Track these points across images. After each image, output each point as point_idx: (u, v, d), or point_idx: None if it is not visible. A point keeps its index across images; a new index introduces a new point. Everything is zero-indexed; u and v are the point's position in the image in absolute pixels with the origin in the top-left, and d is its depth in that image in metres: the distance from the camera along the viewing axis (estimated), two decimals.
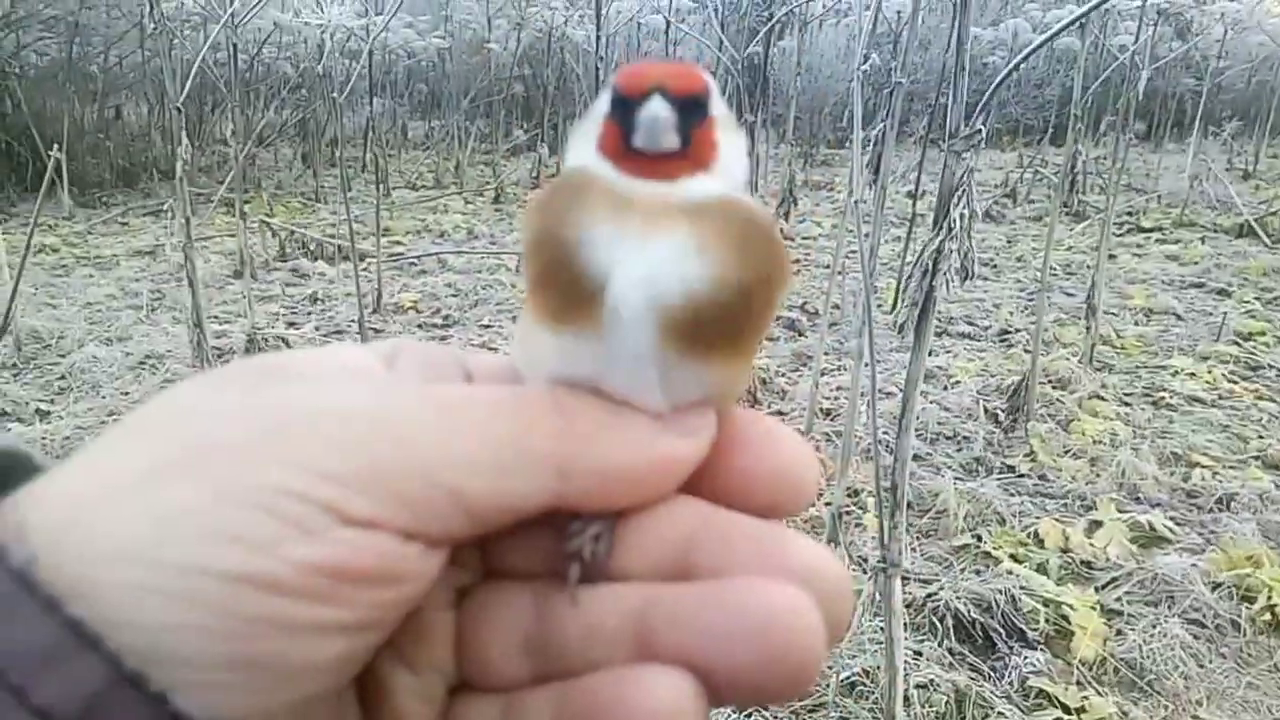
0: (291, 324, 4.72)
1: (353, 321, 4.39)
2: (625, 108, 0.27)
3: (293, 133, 9.87)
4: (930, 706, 2.18)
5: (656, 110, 0.27)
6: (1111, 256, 5.73)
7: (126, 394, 3.85)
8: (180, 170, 3.45)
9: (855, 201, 2.49)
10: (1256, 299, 5.34)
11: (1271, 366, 4.32)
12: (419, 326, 4.67)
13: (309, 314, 4.90)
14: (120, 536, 0.21)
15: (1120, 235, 6.94)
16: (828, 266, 4.02)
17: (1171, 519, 2.98)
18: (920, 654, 2.32)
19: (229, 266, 5.63)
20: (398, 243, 6.45)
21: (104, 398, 3.81)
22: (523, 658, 0.27)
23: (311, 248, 5.83)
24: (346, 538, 0.23)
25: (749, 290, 0.27)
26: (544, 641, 0.26)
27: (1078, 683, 2.31)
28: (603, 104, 0.29)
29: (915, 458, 3.24)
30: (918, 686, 2.20)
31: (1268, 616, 2.55)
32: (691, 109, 0.27)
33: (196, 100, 8.43)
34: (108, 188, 8.10)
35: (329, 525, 0.22)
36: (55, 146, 3.65)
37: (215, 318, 4.71)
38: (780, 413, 3.72)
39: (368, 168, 8.69)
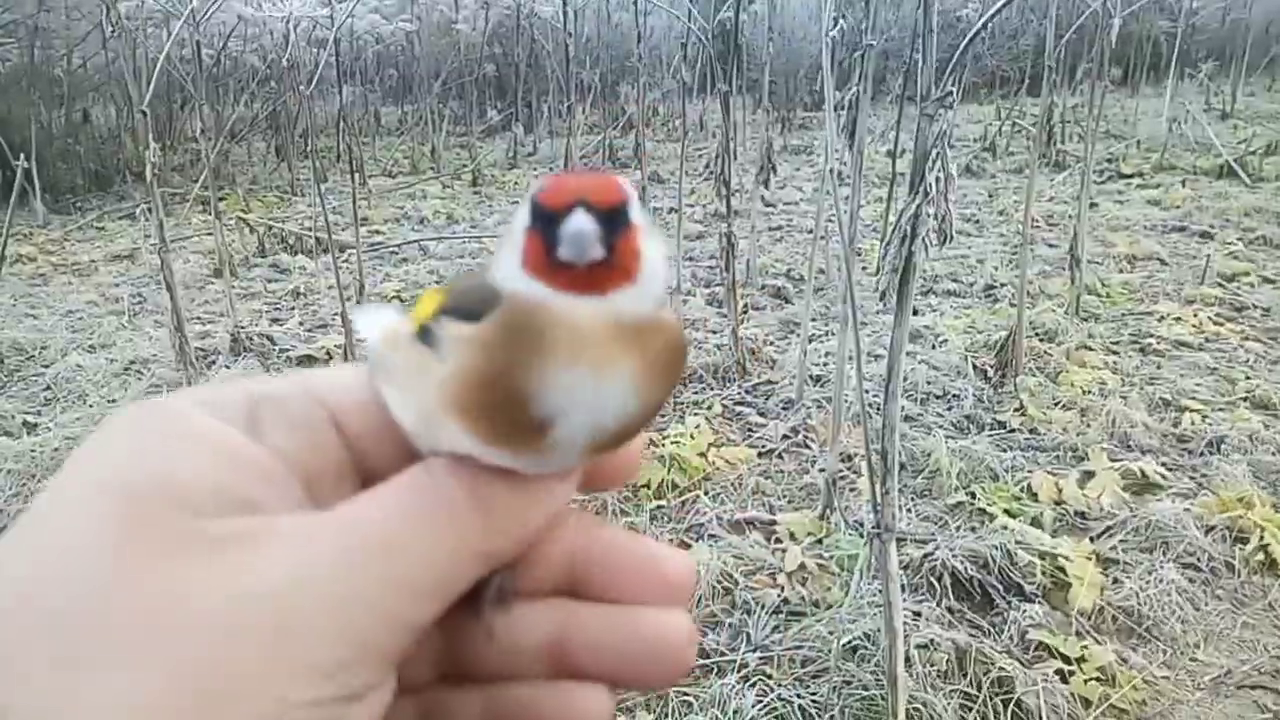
0: (275, 320, 4.69)
1: (336, 315, 4.36)
2: (548, 220, 0.28)
3: (264, 126, 9.74)
4: (932, 665, 2.20)
5: (580, 223, 0.27)
6: (1093, 205, 5.73)
7: (113, 401, 3.82)
8: (150, 173, 3.41)
9: (830, 170, 2.47)
10: (1239, 239, 5.35)
11: (1256, 306, 4.34)
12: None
13: (292, 309, 4.87)
14: None
15: (1101, 183, 6.94)
16: (810, 232, 4.01)
17: (1163, 465, 3.00)
18: (920, 614, 2.34)
19: (208, 266, 5.58)
20: (377, 232, 6.40)
21: (90, 406, 3.78)
22: (434, 668, 0.30)
23: (290, 242, 5.78)
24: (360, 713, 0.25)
25: (663, 403, 0.30)
26: (459, 658, 0.30)
27: (1077, 633, 2.34)
28: (522, 216, 0.29)
29: (906, 419, 3.25)
30: (918, 646, 2.22)
31: (1260, 557, 2.58)
32: (614, 220, 0.28)
33: (165, 98, 8.30)
34: (81, 192, 8.00)
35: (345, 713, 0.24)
36: (23, 155, 3.59)
37: (198, 319, 4.68)
38: (770, 382, 3.72)
39: (342, 157, 8.60)
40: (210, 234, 5.51)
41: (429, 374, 0.28)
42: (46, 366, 4.20)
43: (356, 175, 5.68)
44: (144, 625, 0.22)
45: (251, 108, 9.40)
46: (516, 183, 8.27)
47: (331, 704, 0.23)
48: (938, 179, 1.50)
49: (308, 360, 4.07)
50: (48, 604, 0.22)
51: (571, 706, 0.29)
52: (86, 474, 0.25)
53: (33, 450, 3.38)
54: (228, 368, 3.92)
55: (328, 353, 4.05)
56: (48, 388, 4.00)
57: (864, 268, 5.05)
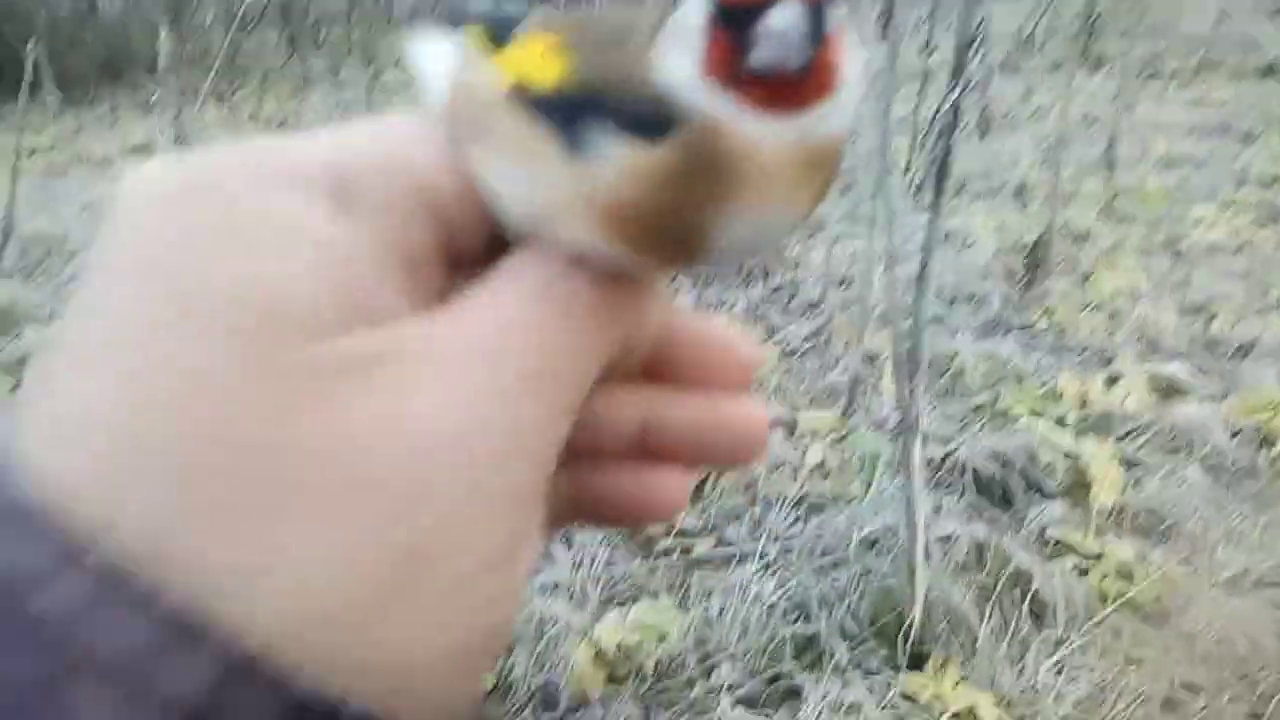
0: None
1: None
2: (740, 18, 0.23)
3: (276, 15, 9.47)
4: (950, 558, 2.23)
5: (791, 19, 0.22)
6: (1131, 105, 5.53)
7: None
8: (163, 63, 3.33)
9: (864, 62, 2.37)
10: None
11: None
12: None
13: None
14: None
15: (1140, 82, 6.68)
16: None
17: (1191, 369, 2.98)
18: (940, 510, 2.37)
19: None
20: None
21: None
22: None
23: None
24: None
25: None
26: None
27: (1096, 530, 2.36)
28: (695, 9, 0.24)
29: (932, 320, 3.22)
30: (938, 540, 2.25)
31: None
32: (819, 19, 0.23)
33: None
34: (92, 83, 7.86)
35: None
36: (32, 40, 3.51)
37: None
38: (794, 282, 3.68)
39: (355, 49, 8.37)
40: (225, 127, 5.43)
41: (556, 168, 0.24)
42: (69, 259, 4.20)
43: (370, 66, 5.54)
44: (322, 475, 0.20)
45: None
46: None
47: (513, 548, 0.23)
48: (979, 67, 1.43)
49: None
50: (195, 450, 0.19)
51: (654, 487, 0.28)
52: (161, 284, 0.20)
53: None
54: None
55: None
56: (71, 279, 4.01)
57: (892, 168, 4.93)
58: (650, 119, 0.23)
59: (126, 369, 0.19)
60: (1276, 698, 1.97)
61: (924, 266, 1.88)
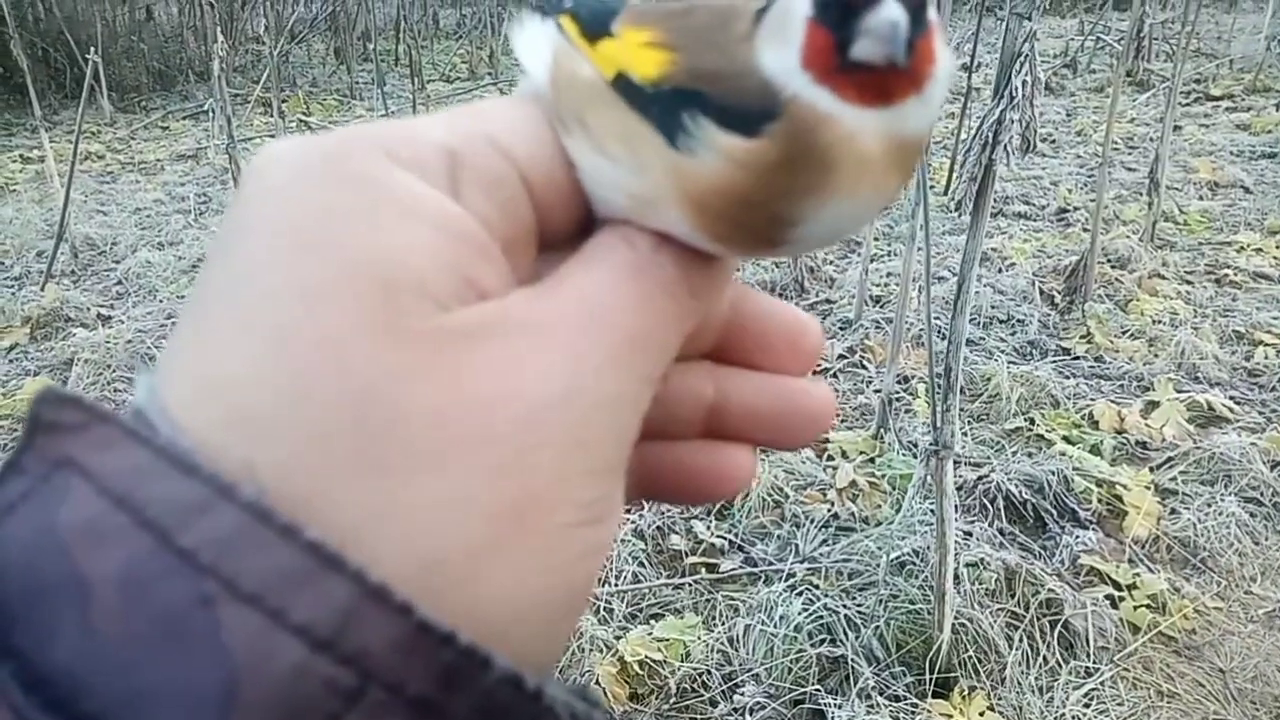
0: None
1: None
2: (842, 12, 0.24)
3: (323, 27, 9.67)
4: (980, 584, 2.21)
5: (894, 16, 0.23)
6: (1177, 128, 5.45)
7: (181, 298, 3.93)
8: (218, 68, 3.42)
9: None
10: None
11: None
12: None
13: None
14: None
15: (1187, 105, 6.58)
16: None
17: (1231, 398, 2.93)
18: (971, 534, 2.35)
19: None
20: None
21: (160, 301, 3.90)
22: None
23: None
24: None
25: None
26: None
27: (1129, 560, 2.33)
28: (796, 3, 0.25)
29: (968, 342, 3.20)
30: (967, 565, 2.23)
31: None
32: (919, 15, 0.24)
33: None
34: (145, 91, 8.07)
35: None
36: (92, 50, 3.62)
37: None
38: (829, 301, 3.67)
39: (400, 61, 8.51)
40: (272, 135, 5.54)
41: (656, 157, 0.25)
42: (117, 262, 4.31)
43: (415, 79, 5.63)
44: (443, 432, 0.21)
45: (311, 8, 9.32)
46: None
47: (605, 506, 0.24)
48: (1024, 82, 1.43)
49: None
50: (330, 405, 0.21)
51: (723, 464, 0.30)
52: (302, 254, 0.22)
53: (107, 341, 3.50)
54: None
55: None
56: (119, 282, 4.12)
57: (931, 186, 4.91)
58: (750, 112, 0.24)
59: (272, 331, 0.21)
60: None
61: (961, 286, 1.87)
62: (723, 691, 2.05)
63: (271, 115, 4.57)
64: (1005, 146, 1.52)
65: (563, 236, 0.27)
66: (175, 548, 0.19)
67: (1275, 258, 3.92)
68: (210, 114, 4.53)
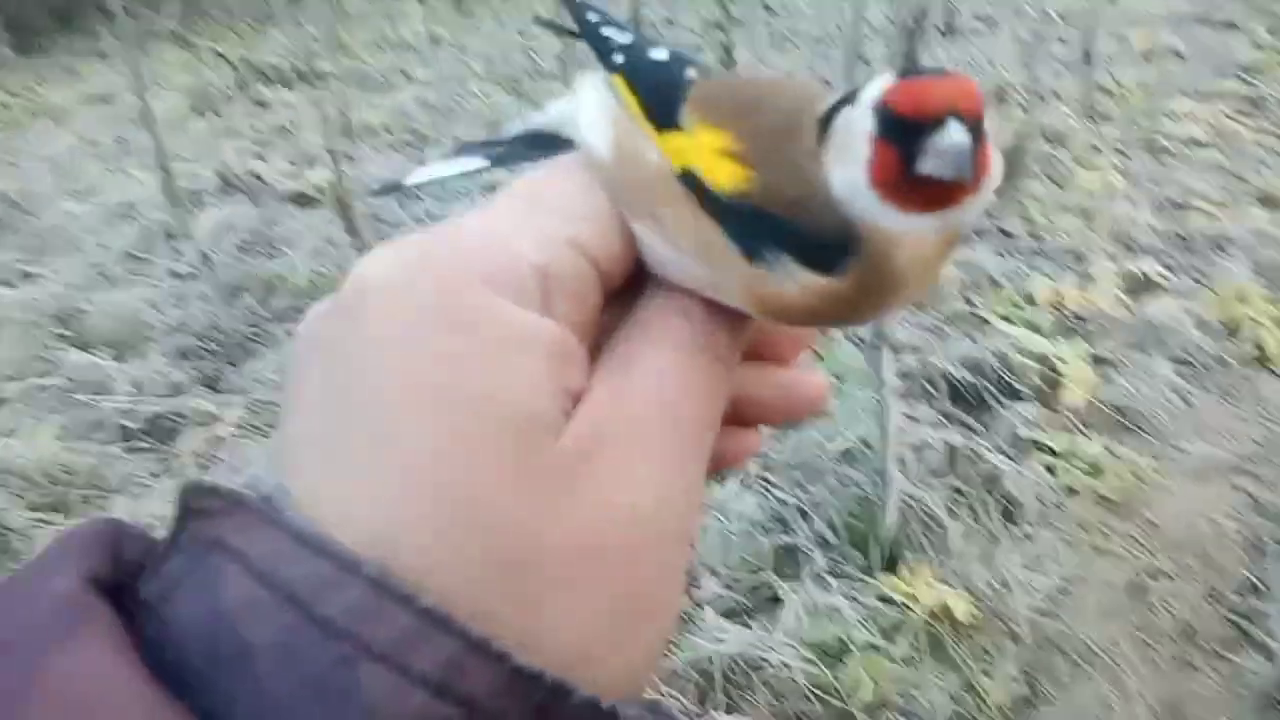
0: (260, 157, 4.58)
1: (323, 148, 4.24)
2: (909, 131, 0.25)
3: None
4: (924, 464, 2.28)
5: (961, 139, 0.24)
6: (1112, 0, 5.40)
7: (108, 247, 3.80)
8: (117, 5, 3.23)
9: None
10: (1266, 28, 5.07)
11: (1273, 99, 4.17)
12: (390, 148, 4.51)
13: (277, 145, 4.74)
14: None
15: None
16: (817, 38, 3.81)
17: (1164, 265, 2.98)
18: (915, 418, 2.40)
19: (187, 103, 5.40)
20: (358, 58, 6.12)
21: (85, 252, 3.77)
22: None
23: (269, 74, 5.56)
24: None
25: None
26: None
27: (1066, 429, 2.40)
28: (862, 118, 0.26)
29: None
30: (912, 447, 2.29)
31: (1254, 350, 2.60)
32: (979, 131, 0.25)
33: None
34: (47, 32, 7.62)
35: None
36: None
37: (182, 158, 4.56)
38: None
39: None
40: (187, 71, 5.30)
41: (731, 265, 0.27)
42: (35, 215, 4.15)
43: None
44: (571, 555, 0.25)
45: None
46: None
47: (684, 578, 0.29)
48: None
49: (299, 198, 4.01)
50: (483, 551, 0.24)
51: (732, 446, 0.33)
52: (429, 392, 0.25)
53: (35, 299, 3.40)
54: (217, 208, 3.87)
55: (318, 189, 3.98)
56: (39, 236, 3.96)
57: (869, 76, 4.84)
58: (827, 246, 0.26)
59: (431, 488, 0.25)
60: (1233, 576, 2.04)
61: None
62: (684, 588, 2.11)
63: (183, 48, 4.35)
64: (927, 35, 1.49)
65: (616, 283, 0.30)
66: (316, 618, 0.22)
67: (1209, 124, 3.95)
68: (118, 54, 4.31)
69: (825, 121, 0.27)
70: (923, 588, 2.02)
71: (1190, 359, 2.59)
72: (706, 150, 0.28)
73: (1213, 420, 2.44)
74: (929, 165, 0.25)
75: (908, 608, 1.96)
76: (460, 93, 5.16)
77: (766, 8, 6.14)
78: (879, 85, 0.26)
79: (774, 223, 0.27)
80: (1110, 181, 3.45)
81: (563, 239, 0.28)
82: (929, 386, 2.51)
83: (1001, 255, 3.06)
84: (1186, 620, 1.98)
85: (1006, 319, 2.75)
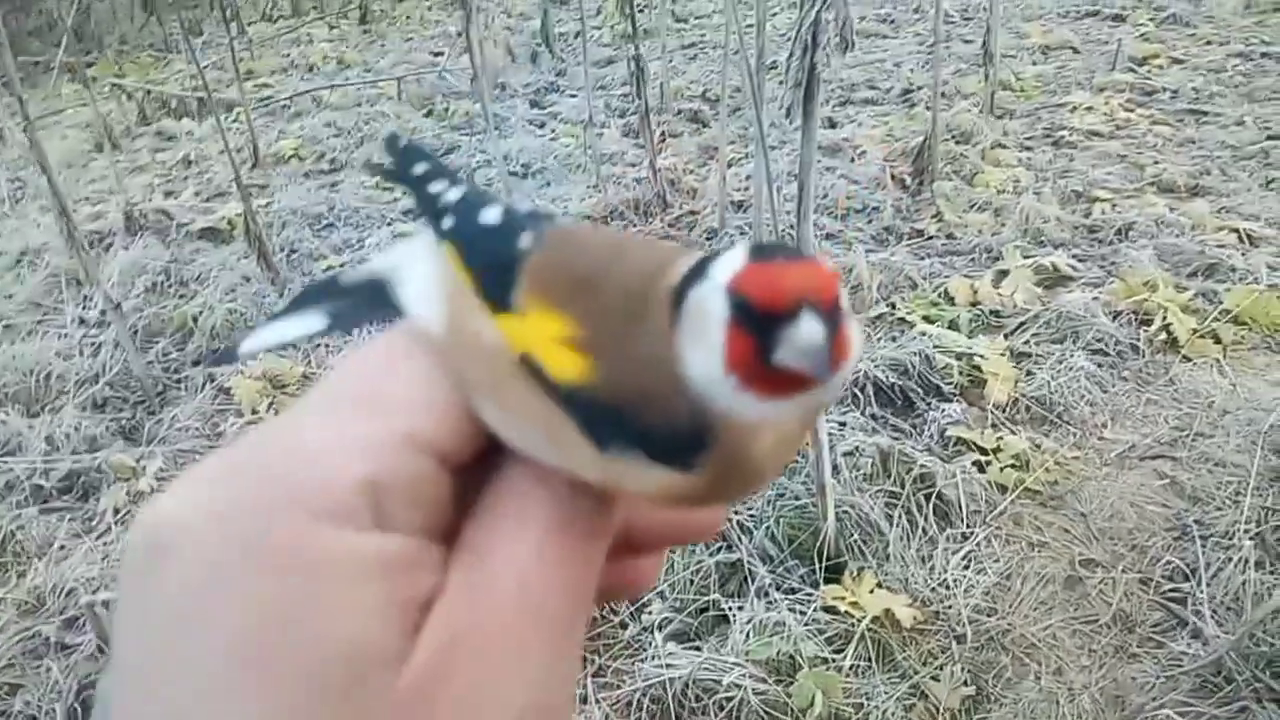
0: (169, 193, 4.42)
1: (232, 181, 4.12)
2: (764, 322, 0.24)
3: None
4: (858, 470, 2.31)
5: (816, 335, 0.24)
6: None
7: (9, 297, 3.62)
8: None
9: None
10: (1150, 20, 5.30)
11: (1165, 89, 4.36)
12: (305, 175, 4.41)
13: (185, 179, 4.59)
14: None
15: None
16: (722, 48, 3.85)
17: (1074, 257, 3.09)
18: (845, 424, 2.43)
19: (89, 139, 5.18)
20: (264, 85, 5.97)
21: None
22: None
23: (173, 105, 5.38)
24: None
25: None
26: None
27: (992, 425, 2.47)
28: (715, 301, 0.25)
29: (827, 236, 3.26)
30: (845, 454, 2.32)
31: (1163, 336, 2.71)
32: (837, 320, 0.25)
33: None
34: None
35: None
36: None
37: (86, 199, 4.39)
38: (693, 213, 3.67)
39: (215, 4, 7.87)
40: (85, 105, 5.08)
41: (581, 454, 0.26)
42: None
43: (232, 23, 5.23)
44: None
45: None
46: (408, 17, 7.71)
47: None
48: None
49: (210, 233, 3.88)
50: None
51: (627, 574, 0.31)
52: (230, 659, 0.22)
53: None
54: (125, 249, 3.72)
55: (229, 223, 3.86)
56: None
57: (781, 82, 4.91)
58: (680, 439, 0.25)
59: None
60: (1162, 561, 2.12)
61: (801, 190, 1.88)
62: (631, 614, 2.10)
63: (79, 82, 4.17)
64: (825, 49, 1.51)
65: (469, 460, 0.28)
66: None
67: (1105, 114, 4.11)
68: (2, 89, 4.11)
69: (678, 296, 0.25)
70: (866, 595, 2.05)
71: (1104, 348, 2.69)
72: (543, 340, 0.26)
73: (1130, 407, 2.53)
74: (785, 358, 0.24)
75: (852, 616, 1.99)
76: (371, 115, 5.06)
77: (675, 18, 6.19)
78: (731, 261, 0.25)
79: (620, 416, 0.25)
80: (1016, 177, 3.56)
81: (396, 439, 0.25)
82: (857, 391, 2.55)
83: (919, 257, 3.13)
84: (1122, 609, 2.05)
85: (927, 319, 2.82)
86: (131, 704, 0.23)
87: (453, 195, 0.29)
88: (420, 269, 0.29)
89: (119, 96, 5.47)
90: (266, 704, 0.22)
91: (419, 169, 0.30)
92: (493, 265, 0.27)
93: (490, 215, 0.29)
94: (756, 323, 0.24)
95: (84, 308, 3.45)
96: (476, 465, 0.27)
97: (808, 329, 0.24)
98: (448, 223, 0.29)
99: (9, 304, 3.58)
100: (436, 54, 6.23)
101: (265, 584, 0.22)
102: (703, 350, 0.25)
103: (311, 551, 0.23)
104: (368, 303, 0.31)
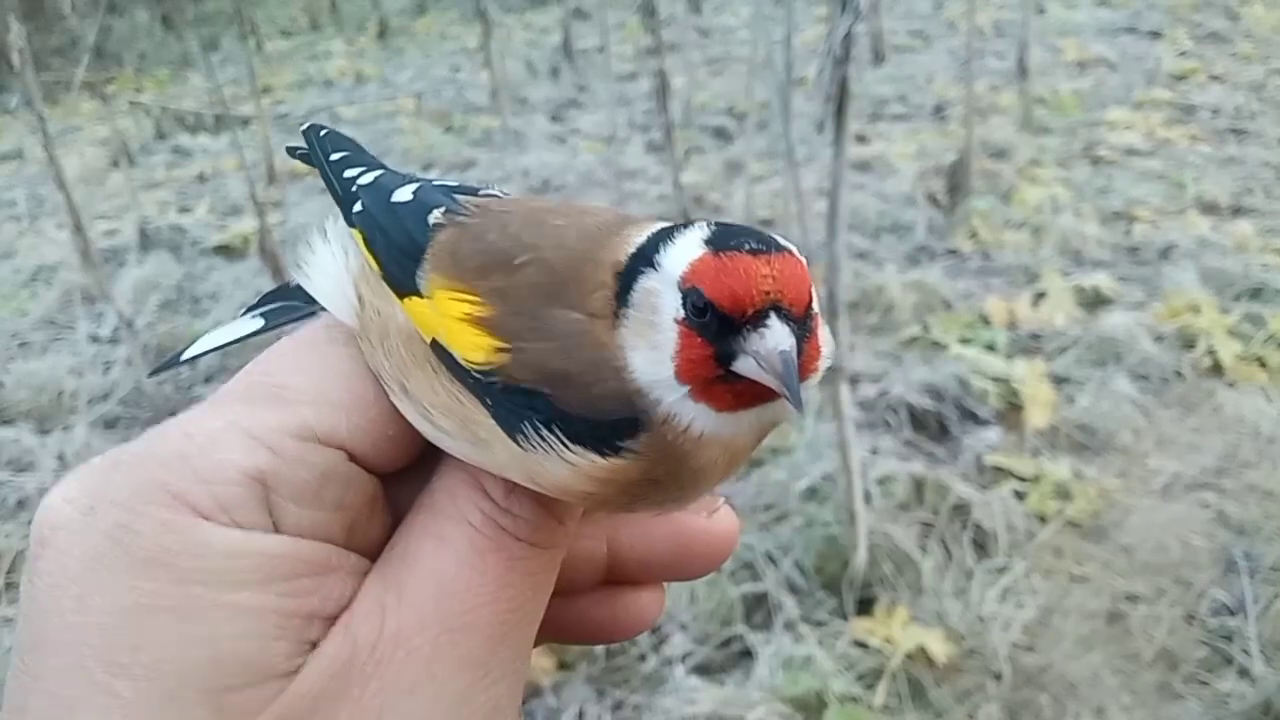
0: (184, 209, 4.40)
1: (248, 197, 4.09)
2: (722, 324, 0.21)
3: None
4: (890, 498, 2.20)
5: (783, 344, 0.20)
6: (1041, 10, 5.49)
7: (24, 313, 3.59)
8: (19, 59, 3.05)
9: None
10: (1189, 36, 5.19)
11: (1204, 107, 4.24)
12: (321, 191, 4.36)
13: (200, 195, 4.56)
14: None
15: None
16: (749, 61, 3.77)
17: (1115, 278, 2.97)
18: (877, 450, 2.33)
19: (105, 156, 5.18)
20: (280, 101, 5.97)
21: (2, 320, 3.56)
22: None
23: (189, 121, 5.38)
24: None
25: None
26: None
27: (1032, 452, 2.35)
28: (666, 295, 0.21)
29: (858, 255, 3.17)
30: (877, 481, 2.22)
31: (1208, 360, 2.58)
32: (806, 327, 0.22)
33: None
34: None
35: None
36: None
37: (102, 215, 4.37)
38: None
39: (233, 20, 7.93)
40: (103, 121, 5.09)
41: (497, 444, 0.23)
42: None
43: (251, 39, 5.23)
44: None
45: None
46: (428, 32, 7.71)
47: None
48: None
49: (224, 250, 3.84)
50: None
51: (625, 611, 0.30)
52: (96, 664, 0.21)
53: None
54: (139, 265, 3.69)
55: (244, 239, 3.82)
56: None
57: (809, 97, 4.83)
58: (604, 424, 0.22)
59: None
60: (1207, 595, 1.99)
61: (833, 205, 1.80)
62: (652, 646, 2.00)
63: (98, 99, 4.17)
64: (855, 62, 1.43)
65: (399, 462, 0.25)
66: None
67: (1144, 131, 3.99)
68: (21, 110, 4.11)
69: (625, 284, 0.22)
70: (898, 629, 1.93)
71: (1147, 373, 2.56)
72: (448, 318, 0.23)
73: (1174, 435, 2.40)
74: (747, 368, 0.21)
75: (884, 652, 1.88)
76: (388, 131, 5.03)
77: (700, 32, 6.14)
78: (688, 249, 0.21)
79: (535, 399, 0.22)
80: (1054, 195, 3.45)
81: (289, 431, 0.24)
82: (890, 416, 2.45)
83: (953, 276, 3.02)
84: (1166, 645, 1.93)
85: (963, 341, 2.71)
86: (15, 698, 0.22)
87: (367, 178, 0.27)
88: (323, 259, 0.27)
89: (136, 112, 5.48)
90: (118, 716, 0.20)
91: (336, 155, 0.28)
92: (396, 246, 0.24)
93: (402, 193, 0.26)
94: (715, 325, 0.21)
95: (97, 324, 3.41)
96: (417, 471, 0.25)
97: (775, 337, 0.20)
98: (357, 207, 0.26)
99: (24, 321, 3.54)
100: (455, 69, 6.21)
101: (129, 582, 0.21)
102: (651, 348, 0.22)
103: (181, 549, 0.22)
104: (302, 299, 0.29)
